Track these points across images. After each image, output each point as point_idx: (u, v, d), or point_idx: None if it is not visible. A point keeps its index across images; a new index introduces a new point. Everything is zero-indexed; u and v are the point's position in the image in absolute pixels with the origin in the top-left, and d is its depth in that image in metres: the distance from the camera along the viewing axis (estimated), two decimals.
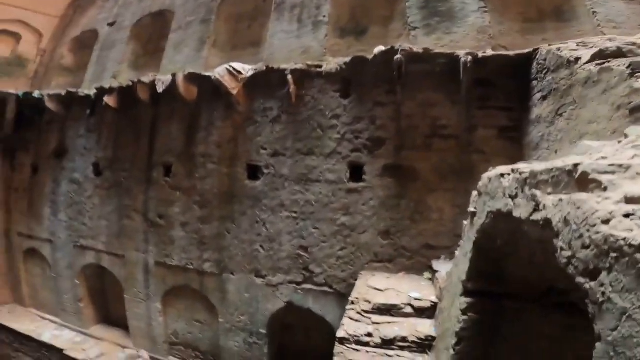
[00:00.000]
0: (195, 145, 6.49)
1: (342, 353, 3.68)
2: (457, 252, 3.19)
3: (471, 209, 2.69)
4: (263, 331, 6.06)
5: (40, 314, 9.09)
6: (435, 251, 4.94)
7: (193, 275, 6.52)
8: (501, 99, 4.82)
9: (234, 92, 5.89)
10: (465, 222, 3.03)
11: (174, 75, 6.34)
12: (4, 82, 8.65)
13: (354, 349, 3.71)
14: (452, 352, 2.67)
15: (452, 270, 3.33)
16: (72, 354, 7.50)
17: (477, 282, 2.55)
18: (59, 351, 7.68)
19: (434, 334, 3.67)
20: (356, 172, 5.44)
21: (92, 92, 7.52)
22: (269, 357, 6.15)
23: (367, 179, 5.34)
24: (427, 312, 4.04)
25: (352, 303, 4.27)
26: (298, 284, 5.70)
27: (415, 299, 4.15)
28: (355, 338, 3.78)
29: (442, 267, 4.39)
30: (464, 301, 2.57)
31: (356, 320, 4.05)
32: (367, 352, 3.66)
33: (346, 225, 5.41)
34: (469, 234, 2.68)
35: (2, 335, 9.03)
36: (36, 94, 8.15)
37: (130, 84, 6.80)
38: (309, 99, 5.71)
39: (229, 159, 6.19)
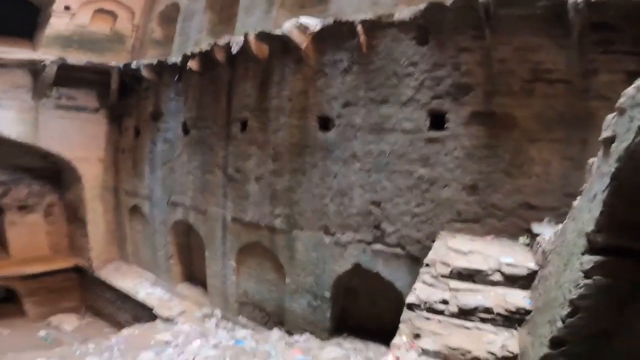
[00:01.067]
0: (268, 100, 6.23)
1: (410, 320, 3.05)
2: (575, 203, 2.30)
3: (606, 133, 1.82)
4: (327, 294, 5.67)
5: (140, 271, 9.78)
6: (536, 212, 3.99)
7: (264, 232, 6.34)
8: (628, 42, 3.89)
9: (303, 46, 5.52)
10: (591, 161, 2.14)
11: (246, 36, 6.11)
12: (107, 56, 9.21)
13: (424, 317, 3.05)
14: (560, 324, 1.89)
15: (565, 225, 2.43)
16: (159, 312, 7.85)
17: (611, 235, 1.70)
18: (150, 309, 8.08)
19: (528, 307, 2.83)
20: (437, 120, 4.62)
21: (178, 59, 7.68)
22: (331, 321, 5.78)
23: (451, 127, 4.51)
24: (520, 281, 3.18)
25: (427, 265, 3.58)
26: (368, 243, 5.14)
27: (507, 265, 3.29)
28: (428, 304, 3.11)
29: (546, 230, 3.42)
30: (588, 260, 1.75)
31: (430, 285, 3.36)
32: (440, 321, 2.98)
33: (424, 179, 4.67)
34: (602, 168, 1.81)
35: (107, 293, 9.93)
36: (134, 64, 8.58)
37: (209, 48, 6.72)
38: (381, 48, 5.06)
39: (300, 111, 5.81)
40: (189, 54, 7.25)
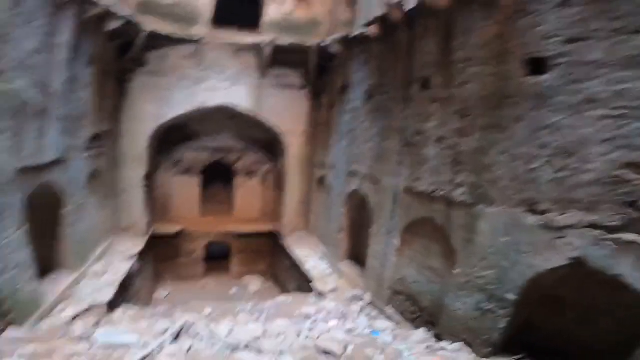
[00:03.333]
0: (452, 53, 4.90)
1: None
2: None
3: None
4: (511, 297, 3.83)
5: (315, 243, 9.91)
6: None
7: (439, 205, 4.93)
8: None
9: None
10: None
11: None
12: (308, 39, 9.57)
13: None
14: None
15: None
16: (315, 285, 7.58)
17: None
18: (309, 282, 7.96)
19: None
20: None
21: (360, 31, 7.27)
22: (502, 334, 3.95)
23: None
24: None
25: None
26: (609, 229, 3.03)
27: None
28: None
29: None
30: None
31: None
32: None
33: None
34: None
35: (287, 261, 10.39)
36: (325, 42, 8.77)
37: (385, 11, 5.98)
38: None
39: (496, 57, 4.23)
40: (367, 21, 6.74)
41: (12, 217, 4.82)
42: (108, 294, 6.35)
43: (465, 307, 4.38)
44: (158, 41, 8.86)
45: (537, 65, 3.79)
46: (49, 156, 5.83)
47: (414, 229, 5.56)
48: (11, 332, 4.33)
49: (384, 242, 6.25)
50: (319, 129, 10.14)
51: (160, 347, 4.05)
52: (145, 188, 9.92)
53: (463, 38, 4.73)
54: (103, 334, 4.40)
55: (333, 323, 5.60)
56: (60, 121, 6.12)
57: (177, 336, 4.59)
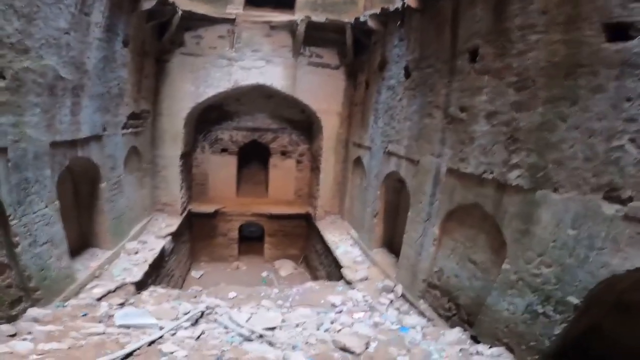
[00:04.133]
0: (508, 20, 4.11)
1: None
2: None
3: None
4: (573, 300, 3.18)
5: (348, 227, 9.45)
6: None
7: (489, 189, 4.26)
8: None
9: None
10: None
11: None
12: (344, 17, 8.96)
13: None
14: None
15: None
16: (345, 272, 7.14)
17: None
18: (339, 268, 7.54)
19: None
20: None
21: (399, 4, 6.60)
22: (555, 343, 3.34)
23: None
24: None
25: None
26: None
27: None
28: None
29: None
30: None
31: None
32: None
33: None
34: None
35: (319, 245, 10.07)
36: (361, 17, 8.11)
37: None
38: None
39: (564, 23, 3.47)
40: None
41: (42, 191, 4.78)
42: (137, 274, 6.31)
43: (513, 308, 3.78)
44: (193, 21, 8.70)
45: (619, 31, 3.04)
46: (83, 132, 5.78)
47: (458, 216, 4.93)
48: (33, 311, 4.29)
49: (421, 230, 5.68)
50: (355, 109, 9.60)
51: (175, 331, 3.84)
52: (183, 167, 9.94)
53: (520, 3, 3.97)
54: (122, 316, 4.31)
55: (359, 315, 5.23)
56: (96, 98, 6.07)
57: (196, 321, 4.42)
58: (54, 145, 4.99)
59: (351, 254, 8.16)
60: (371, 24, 7.80)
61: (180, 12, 8.09)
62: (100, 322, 4.26)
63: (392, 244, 7.80)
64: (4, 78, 3.97)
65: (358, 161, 9.08)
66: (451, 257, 5.06)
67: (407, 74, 6.53)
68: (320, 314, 5.19)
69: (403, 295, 6.01)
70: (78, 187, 6.60)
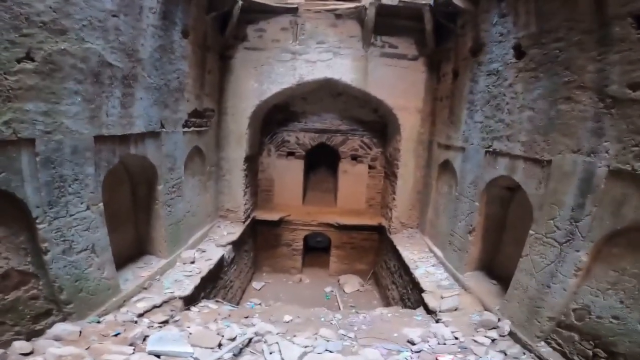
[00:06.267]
0: None
1: None
2: None
3: None
4: None
5: (431, 244, 7.85)
6: None
7: None
8: None
9: None
10: None
11: None
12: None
13: None
14: None
15: None
16: (426, 298, 5.71)
17: None
18: (419, 292, 6.14)
19: None
20: None
21: None
22: None
23: None
24: None
25: None
26: None
27: None
28: None
29: None
30: None
31: None
32: None
33: None
34: None
35: (392, 262, 8.64)
36: None
37: None
38: None
39: None
40: None
41: (83, 191, 4.11)
42: (188, 288, 5.49)
43: None
44: (254, 14, 7.95)
45: None
46: (137, 127, 5.14)
47: (627, 239, 3.26)
48: (58, 327, 3.60)
49: (553, 254, 4.02)
50: (440, 104, 8.03)
51: None
52: (247, 171, 9.22)
53: None
54: (155, 340, 3.55)
55: (446, 358, 3.92)
56: (152, 91, 5.42)
57: (240, 350, 3.46)
58: (100, 139, 4.33)
59: (434, 276, 6.61)
60: (458, 2, 6.32)
61: (240, 2, 7.34)
62: (131, 344, 3.55)
63: (492, 266, 6.11)
64: (32, 60, 3.32)
65: (446, 165, 7.49)
66: (610, 293, 3.38)
67: (520, 54, 4.92)
68: (389, 356, 3.96)
69: (512, 334, 4.41)
70: (136, 187, 6.04)
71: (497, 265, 6.03)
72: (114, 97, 4.54)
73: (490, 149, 5.53)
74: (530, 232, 4.42)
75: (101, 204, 4.44)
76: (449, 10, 6.78)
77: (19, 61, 3.20)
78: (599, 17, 3.59)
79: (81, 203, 4.10)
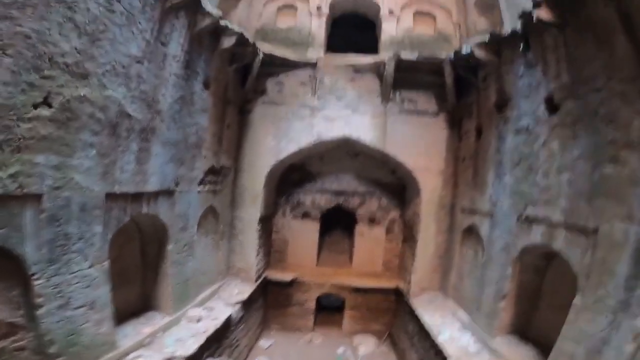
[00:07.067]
0: None
1: None
2: None
3: None
4: None
5: (455, 308, 7.17)
6: None
7: None
8: None
9: None
10: None
11: None
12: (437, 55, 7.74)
13: None
14: None
15: None
16: None
17: None
18: (444, 358, 5.53)
19: None
20: None
21: (516, 25, 5.20)
22: None
23: None
24: None
25: None
26: None
27: None
28: None
29: None
30: None
31: None
32: None
33: None
34: None
35: (411, 325, 7.95)
36: (464, 50, 6.59)
37: None
38: None
39: None
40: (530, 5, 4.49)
41: (88, 249, 3.82)
42: (191, 347, 5.04)
43: None
44: (274, 67, 8.08)
45: None
46: (151, 185, 4.94)
47: None
48: None
49: (605, 322, 3.44)
50: (463, 165, 7.71)
51: None
52: (261, 232, 8.86)
53: None
54: None
55: None
56: (169, 146, 5.30)
57: None
58: (111, 197, 4.11)
59: (460, 341, 5.94)
60: (479, 54, 6.20)
61: (261, 55, 7.53)
62: None
63: (526, 331, 5.37)
64: (49, 106, 3.15)
65: (470, 230, 6.98)
66: None
67: (553, 108, 4.66)
68: None
69: None
70: (146, 245, 5.74)
71: (532, 330, 5.32)
72: (130, 151, 4.39)
73: (524, 215, 5.06)
74: (575, 301, 3.86)
75: (106, 262, 4.13)
76: (470, 63, 6.68)
77: (35, 106, 3.02)
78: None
79: (85, 261, 3.80)
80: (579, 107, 4.19)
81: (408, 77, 7.89)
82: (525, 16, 4.73)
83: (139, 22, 4.15)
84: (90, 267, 3.86)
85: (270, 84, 8.29)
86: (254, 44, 7.19)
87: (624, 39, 3.49)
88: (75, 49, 3.32)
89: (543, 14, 4.38)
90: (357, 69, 8.18)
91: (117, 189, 4.21)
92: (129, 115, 4.25)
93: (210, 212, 7.22)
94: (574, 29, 4.19)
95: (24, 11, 2.77)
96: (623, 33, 3.49)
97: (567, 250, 4.19)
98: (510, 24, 5.94)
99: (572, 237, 4.10)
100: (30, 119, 2.99)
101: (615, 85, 3.66)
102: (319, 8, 8.24)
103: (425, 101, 8.19)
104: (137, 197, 4.68)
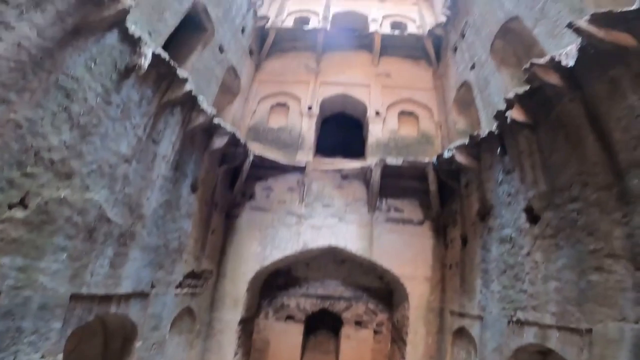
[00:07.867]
0: None
1: None
2: None
3: None
4: None
5: None
6: None
7: None
8: None
9: None
10: None
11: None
12: (421, 159, 8.14)
13: None
14: None
15: None
16: None
17: None
18: None
19: None
20: None
21: (492, 127, 5.51)
22: None
23: None
24: None
25: None
26: None
27: None
28: None
29: None
30: None
31: None
32: None
33: None
34: None
35: None
36: (445, 154, 6.94)
37: (533, 71, 4.00)
38: None
39: None
40: (503, 108, 4.92)
41: (41, 342, 3.42)
42: None
43: None
44: (263, 170, 8.37)
45: None
46: (123, 287, 4.61)
47: None
48: None
49: None
50: (450, 272, 7.54)
51: None
52: (241, 333, 8.11)
53: None
54: None
55: None
56: (148, 251, 5.11)
57: None
58: (76, 297, 3.80)
59: None
60: (459, 158, 6.40)
61: (251, 157, 7.79)
62: None
63: None
64: (25, 207, 3.04)
65: (461, 332, 6.55)
66: None
67: (533, 217, 4.74)
68: None
69: None
70: (109, 339, 5.09)
71: None
72: (104, 256, 4.19)
73: (514, 318, 4.78)
74: None
75: (60, 355, 3.60)
76: (452, 167, 6.88)
77: (10, 207, 2.91)
78: (612, 168, 3.43)
79: (35, 352, 3.31)
80: (558, 217, 4.24)
81: (394, 183, 8.18)
82: (500, 116, 4.98)
83: (134, 117, 4.22)
84: (41, 358, 3.34)
85: (259, 189, 8.49)
86: (245, 145, 7.42)
87: (593, 138, 3.66)
88: (64, 143, 3.29)
89: (516, 114, 4.61)
90: (345, 175, 8.51)
91: (85, 291, 3.91)
92: (108, 220, 4.13)
93: (187, 313, 6.76)
94: (546, 130, 4.40)
95: (22, 96, 2.75)
96: (591, 132, 3.67)
97: (562, 349, 3.85)
98: (486, 123, 6.33)
99: (566, 336, 3.81)
100: (2, 221, 2.88)
101: (590, 194, 3.74)
102: (310, 108, 8.96)
103: (410, 210, 8.36)
104: (106, 299, 4.33)
